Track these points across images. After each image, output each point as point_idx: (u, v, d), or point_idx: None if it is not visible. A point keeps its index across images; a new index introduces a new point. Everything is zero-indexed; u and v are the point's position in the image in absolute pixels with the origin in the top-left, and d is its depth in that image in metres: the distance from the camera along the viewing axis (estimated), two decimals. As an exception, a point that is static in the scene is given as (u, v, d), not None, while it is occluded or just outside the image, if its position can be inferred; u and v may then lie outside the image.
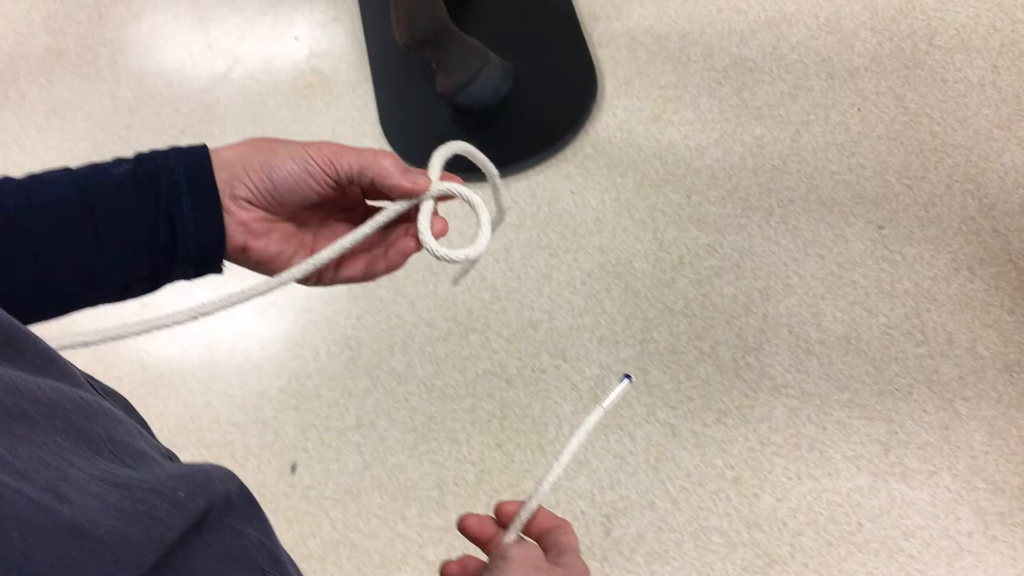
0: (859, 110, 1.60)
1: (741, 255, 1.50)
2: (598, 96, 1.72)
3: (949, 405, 1.33)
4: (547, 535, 0.54)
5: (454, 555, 0.53)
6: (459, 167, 0.58)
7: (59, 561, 0.27)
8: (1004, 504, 1.26)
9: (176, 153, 0.54)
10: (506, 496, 1.36)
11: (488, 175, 0.62)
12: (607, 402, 0.58)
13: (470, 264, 0.62)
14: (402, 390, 1.50)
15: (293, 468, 1.47)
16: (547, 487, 0.54)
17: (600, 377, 1.44)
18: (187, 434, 1.54)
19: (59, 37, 2.13)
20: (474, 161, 0.60)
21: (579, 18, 1.83)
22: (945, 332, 1.38)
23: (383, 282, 1.61)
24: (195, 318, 0.58)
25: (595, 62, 1.76)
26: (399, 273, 1.70)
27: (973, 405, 1.33)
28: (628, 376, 0.59)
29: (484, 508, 1.49)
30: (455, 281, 0.71)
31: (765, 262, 1.49)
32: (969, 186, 1.49)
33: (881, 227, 1.49)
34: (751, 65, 1.69)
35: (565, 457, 0.55)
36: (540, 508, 0.55)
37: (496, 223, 0.65)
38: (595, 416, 0.57)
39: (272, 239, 0.56)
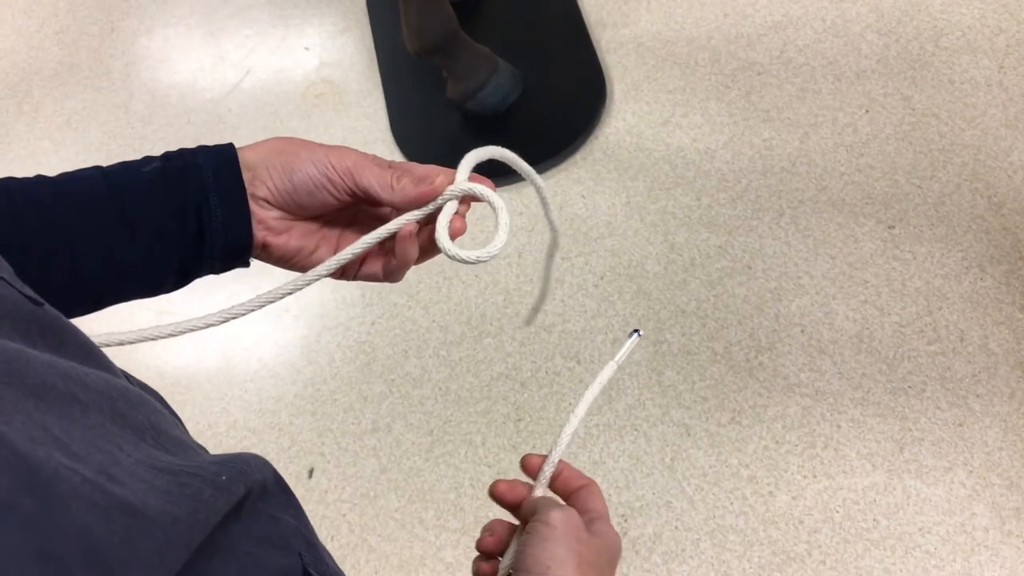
0: (867, 111, 1.61)
1: (752, 256, 1.51)
2: (607, 101, 1.74)
3: (962, 402, 1.34)
4: (576, 496, 0.55)
5: (472, 556, 0.54)
6: (491, 172, 0.58)
7: (116, 536, 0.28)
8: (1019, 499, 1.26)
9: (203, 151, 0.55)
10: (523, 497, 1.37)
11: (536, 185, 0.61)
12: (619, 357, 0.60)
13: (537, 306, 0.64)
14: (417, 394, 1.51)
15: (310, 473, 1.48)
16: (566, 438, 0.56)
17: (614, 379, 1.45)
18: (204, 440, 1.55)
19: (72, 50, 2.15)
20: (518, 170, 0.60)
21: (587, 24, 1.85)
22: (957, 329, 1.39)
23: (397, 287, 1.62)
24: (225, 320, 0.59)
25: (603, 68, 1.78)
26: (413, 278, 1.71)
27: (986, 401, 1.33)
28: (637, 331, 0.62)
29: (501, 510, 1.50)
30: (528, 322, 0.74)
31: (776, 263, 1.50)
32: (978, 185, 1.50)
33: (891, 227, 1.50)
34: (759, 69, 1.71)
35: (581, 408, 0.58)
36: (566, 465, 0.56)
37: (552, 247, 0.66)
38: (608, 371, 0.60)
39: (292, 235, 0.56)
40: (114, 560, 0.27)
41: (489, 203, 0.57)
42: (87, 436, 0.32)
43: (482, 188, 0.57)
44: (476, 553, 0.55)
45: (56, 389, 0.32)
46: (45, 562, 0.24)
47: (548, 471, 0.55)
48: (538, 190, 0.61)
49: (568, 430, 0.57)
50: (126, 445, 0.34)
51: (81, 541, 0.26)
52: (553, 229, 0.65)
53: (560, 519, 0.49)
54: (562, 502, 0.54)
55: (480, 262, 0.56)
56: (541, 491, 0.55)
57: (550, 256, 0.68)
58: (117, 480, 0.30)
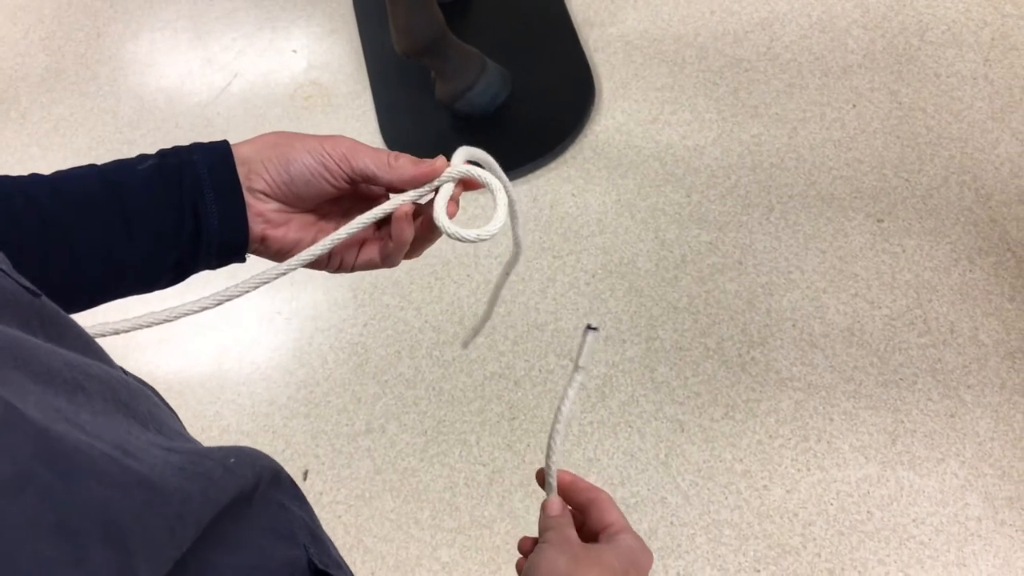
0: (854, 106, 1.62)
1: (743, 252, 1.52)
2: (596, 100, 1.74)
3: (954, 393, 1.35)
4: (590, 511, 0.56)
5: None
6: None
7: (132, 512, 0.28)
8: (1012, 488, 1.27)
9: (198, 147, 0.55)
10: (518, 496, 1.37)
11: (509, 198, 0.59)
12: (581, 359, 0.60)
13: (478, 327, 0.64)
14: (411, 394, 1.51)
15: (305, 475, 1.48)
16: (556, 456, 0.58)
17: (607, 376, 1.45)
18: (197, 445, 1.55)
19: (58, 56, 2.14)
20: (495, 176, 0.59)
21: (574, 24, 1.85)
22: (947, 321, 1.40)
23: (389, 288, 1.62)
24: (220, 303, 0.59)
25: (592, 66, 1.78)
26: (404, 279, 1.70)
27: (977, 392, 1.34)
28: (591, 326, 0.60)
29: (496, 508, 1.50)
30: (465, 344, 0.74)
31: (767, 258, 1.51)
32: (965, 177, 1.51)
33: (880, 220, 1.50)
34: (746, 65, 1.71)
35: (561, 424, 0.59)
36: (572, 477, 0.59)
37: (511, 263, 0.65)
38: (578, 378, 0.60)
39: (291, 228, 0.57)
40: (128, 537, 0.27)
41: (487, 184, 0.57)
42: (96, 420, 0.32)
43: (479, 170, 0.57)
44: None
45: (62, 376, 0.32)
46: (62, 535, 0.24)
47: (550, 496, 0.58)
48: (510, 203, 0.60)
49: (556, 445, 0.59)
50: (133, 431, 0.34)
51: (98, 516, 0.26)
52: (516, 244, 0.65)
53: (554, 536, 0.53)
54: (571, 525, 0.56)
55: (480, 240, 0.56)
56: (554, 496, 0.58)
57: (505, 273, 0.68)
58: (133, 455, 0.31)
